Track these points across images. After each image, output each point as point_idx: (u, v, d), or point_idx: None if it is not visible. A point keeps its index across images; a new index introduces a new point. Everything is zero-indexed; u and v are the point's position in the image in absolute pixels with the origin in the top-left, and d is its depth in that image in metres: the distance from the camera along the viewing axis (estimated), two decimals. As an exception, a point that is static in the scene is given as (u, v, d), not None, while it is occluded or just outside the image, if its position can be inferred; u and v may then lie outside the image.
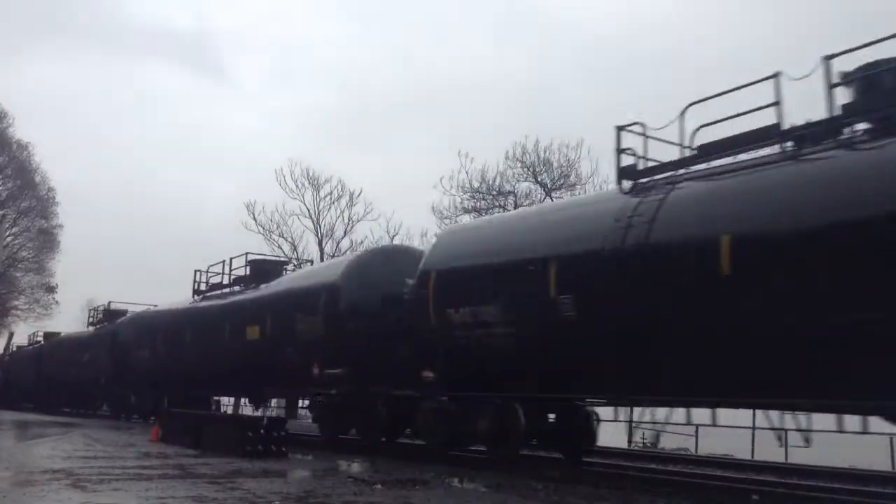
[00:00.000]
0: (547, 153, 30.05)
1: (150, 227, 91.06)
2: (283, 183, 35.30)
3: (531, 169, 30.22)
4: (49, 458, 11.74)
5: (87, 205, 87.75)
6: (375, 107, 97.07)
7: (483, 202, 30.73)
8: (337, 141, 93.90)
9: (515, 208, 29.09)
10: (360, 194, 35.28)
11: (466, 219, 29.84)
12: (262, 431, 13.23)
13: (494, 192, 30.72)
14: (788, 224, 8.32)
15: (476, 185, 30.80)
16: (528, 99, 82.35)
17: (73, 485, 8.47)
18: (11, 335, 50.16)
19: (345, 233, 35.22)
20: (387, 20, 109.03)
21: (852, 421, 8.61)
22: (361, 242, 33.88)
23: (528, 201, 29.75)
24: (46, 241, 50.54)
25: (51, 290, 52.00)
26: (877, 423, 8.61)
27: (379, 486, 9.13)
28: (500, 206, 30.17)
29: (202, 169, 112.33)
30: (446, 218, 30.72)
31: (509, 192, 30.59)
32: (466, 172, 30.81)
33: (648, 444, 21.70)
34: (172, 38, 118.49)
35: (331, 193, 35.32)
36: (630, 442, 19.94)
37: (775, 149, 9.16)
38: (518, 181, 30.55)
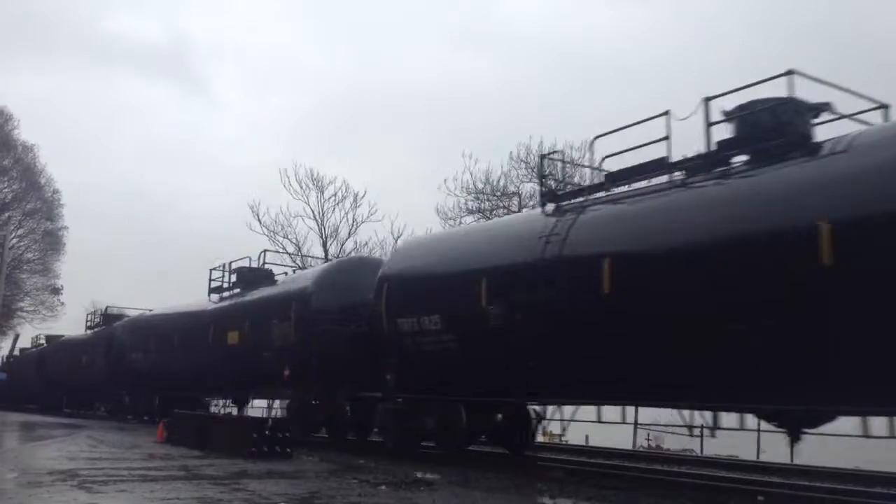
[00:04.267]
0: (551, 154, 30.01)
1: (152, 230, 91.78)
2: (287, 184, 35.35)
3: (535, 170, 30.20)
4: (54, 460, 11.77)
5: (85, 208, 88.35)
6: (372, 108, 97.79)
7: (487, 203, 30.74)
8: (335, 143, 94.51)
9: (520, 209, 29.08)
10: (364, 195, 35.34)
11: (470, 219, 29.85)
12: (267, 433, 13.23)
13: (499, 194, 30.71)
14: (666, 245, 9.41)
15: (480, 186, 30.81)
16: (518, 101, 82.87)
17: (78, 486, 8.48)
18: (17, 337, 50.36)
19: (349, 234, 35.27)
20: (377, 25, 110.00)
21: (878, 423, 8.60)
22: (366, 244, 33.96)
23: (532, 202, 29.74)
24: (52, 242, 50.65)
25: (56, 291, 52.16)
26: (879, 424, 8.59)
27: (383, 487, 9.13)
28: (504, 207, 30.15)
29: (200, 172, 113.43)
30: (451, 219, 30.76)
31: (513, 194, 30.58)
32: (471, 174, 30.83)
33: (653, 446, 21.67)
34: (152, 50, 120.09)
35: (335, 195, 35.37)
36: (635, 443, 19.91)
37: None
38: (522, 182, 30.57)
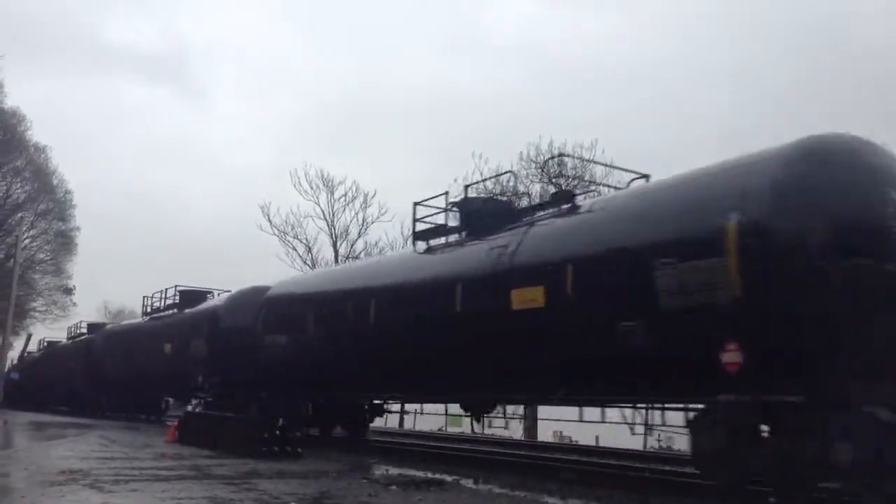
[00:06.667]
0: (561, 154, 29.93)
1: (154, 230, 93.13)
2: (297, 184, 35.38)
3: (545, 170, 30.11)
4: (66, 459, 11.83)
5: (85, 209, 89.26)
6: (372, 109, 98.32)
7: (497, 203, 30.64)
8: (335, 144, 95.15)
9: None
10: (374, 196, 35.31)
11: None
12: (277, 432, 13.29)
13: (509, 194, 30.61)
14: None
15: (490, 186, 30.70)
16: (517, 103, 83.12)
17: (90, 485, 8.53)
18: (29, 337, 50.68)
19: (359, 234, 35.26)
20: (374, 26, 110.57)
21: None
22: (376, 244, 33.91)
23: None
24: (64, 243, 50.91)
25: (68, 291, 52.46)
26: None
27: (394, 487, 9.15)
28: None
29: (201, 173, 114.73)
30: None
31: (523, 194, 30.48)
32: (480, 174, 30.73)
33: (664, 447, 21.59)
34: (152, 55, 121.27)
35: (345, 195, 35.37)
36: (645, 444, 19.85)
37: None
38: (532, 182, 30.47)
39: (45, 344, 44.33)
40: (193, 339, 21.54)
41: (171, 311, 25.20)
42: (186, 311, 23.59)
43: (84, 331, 36.59)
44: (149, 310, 27.20)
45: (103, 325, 36.52)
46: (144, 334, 26.75)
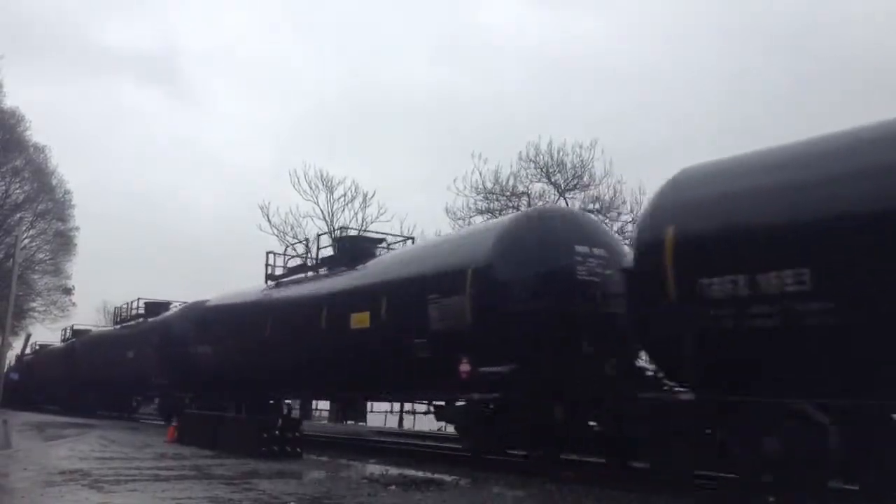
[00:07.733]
0: (560, 154, 29.99)
1: (154, 231, 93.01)
2: (296, 184, 35.31)
3: (544, 170, 30.17)
4: (66, 459, 11.84)
5: (85, 210, 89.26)
6: (371, 110, 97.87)
7: (496, 203, 30.71)
8: (335, 145, 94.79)
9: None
10: (373, 196, 35.20)
11: (479, 219, 29.69)
12: (276, 432, 13.28)
13: (508, 193, 30.67)
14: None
15: (489, 185, 30.77)
16: (516, 103, 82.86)
17: (90, 485, 8.55)
18: (29, 337, 50.62)
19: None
20: (374, 27, 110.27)
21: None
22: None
23: (541, 202, 29.66)
24: (63, 243, 50.85)
25: (67, 291, 52.38)
26: None
27: (393, 487, 9.16)
28: (513, 207, 30.10)
29: (200, 174, 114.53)
30: (460, 219, 30.71)
31: (523, 193, 30.53)
32: (480, 173, 30.76)
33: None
34: (150, 57, 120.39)
35: (344, 195, 35.30)
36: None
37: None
38: (531, 182, 30.50)
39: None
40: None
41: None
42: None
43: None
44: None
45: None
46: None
